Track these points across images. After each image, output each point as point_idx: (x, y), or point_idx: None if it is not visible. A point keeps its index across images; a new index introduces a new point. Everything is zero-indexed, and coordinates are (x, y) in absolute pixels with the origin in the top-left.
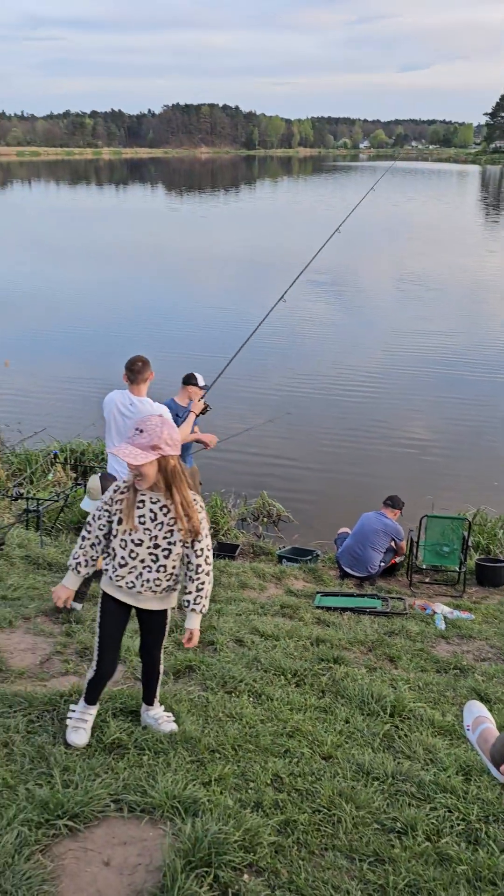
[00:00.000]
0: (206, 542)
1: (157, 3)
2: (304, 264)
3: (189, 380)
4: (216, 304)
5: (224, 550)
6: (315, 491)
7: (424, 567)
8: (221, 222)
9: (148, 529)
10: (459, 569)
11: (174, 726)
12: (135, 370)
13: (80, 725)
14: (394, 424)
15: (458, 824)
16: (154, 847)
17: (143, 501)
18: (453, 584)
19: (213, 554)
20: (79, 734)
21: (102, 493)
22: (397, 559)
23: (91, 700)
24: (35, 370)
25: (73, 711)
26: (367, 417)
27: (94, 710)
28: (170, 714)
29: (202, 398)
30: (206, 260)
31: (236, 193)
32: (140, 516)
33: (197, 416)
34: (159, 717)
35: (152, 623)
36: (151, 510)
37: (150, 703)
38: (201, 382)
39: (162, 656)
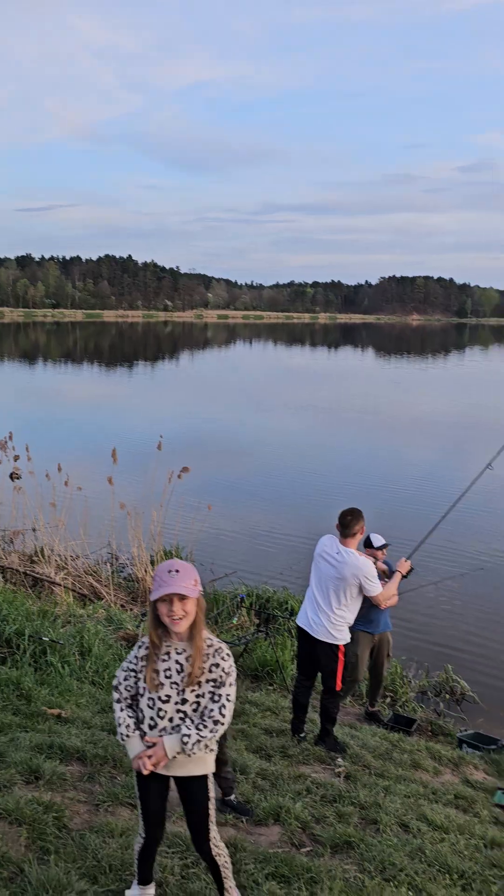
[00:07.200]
0: (228, 690)
1: (381, 192)
2: None
3: (367, 543)
4: (418, 465)
5: (399, 723)
6: None
7: None
8: (428, 384)
9: (175, 683)
10: None
11: None
12: (344, 523)
13: None
14: None
15: None
16: None
17: (168, 653)
18: None
19: (389, 726)
20: None
21: None
22: None
23: (144, 879)
24: (232, 514)
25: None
26: None
27: (151, 889)
28: None
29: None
30: (410, 420)
31: (445, 358)
32: (166, 669)
33: (404, 576)
34: None
35: (190, 793)
36: (177, 661)
37: None
38: (376, 543)
39: (217, 847)
